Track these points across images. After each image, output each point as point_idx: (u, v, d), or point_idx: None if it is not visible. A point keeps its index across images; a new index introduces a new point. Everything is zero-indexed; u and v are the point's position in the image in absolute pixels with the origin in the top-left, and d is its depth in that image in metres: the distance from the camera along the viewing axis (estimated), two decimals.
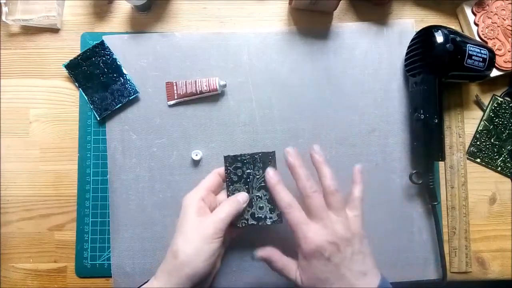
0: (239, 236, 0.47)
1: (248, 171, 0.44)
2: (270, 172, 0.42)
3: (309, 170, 0.41)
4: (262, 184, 0.43)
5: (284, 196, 0.40)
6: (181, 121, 0.51)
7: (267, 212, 0.44)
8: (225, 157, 0.44)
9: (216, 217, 0.40)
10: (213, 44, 0.52)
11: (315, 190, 0.39)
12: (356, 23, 0.53)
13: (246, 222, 0.44)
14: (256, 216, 0.44)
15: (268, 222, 0.43)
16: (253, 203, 0.44)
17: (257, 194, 0.44)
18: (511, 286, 0.53)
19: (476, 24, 0.51)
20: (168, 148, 0.51)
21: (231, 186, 0.44)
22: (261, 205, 0.44)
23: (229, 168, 0.44)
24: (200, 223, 0.40)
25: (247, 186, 0.44)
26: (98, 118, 0.51)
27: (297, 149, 0.41)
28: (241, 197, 0.43)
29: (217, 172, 0.45)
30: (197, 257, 0.38)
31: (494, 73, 0.50)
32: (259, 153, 0.44)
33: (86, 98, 0.51)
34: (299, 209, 0.39)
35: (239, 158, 0.44)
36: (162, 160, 0.50)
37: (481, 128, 0.52)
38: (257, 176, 0.44)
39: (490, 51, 0.48)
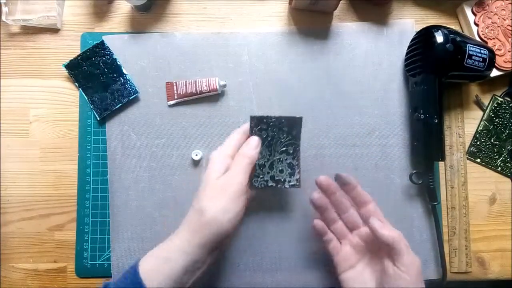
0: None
1: (272, 133, 0.44)
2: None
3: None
4: (284, 148, 0.44)
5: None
6: (181, 121, 0.51)
7: (286, 175, 0.44)
8: (251, 117, 0.43)
9: (239, 175, 0.39)
10: (213, 44, 0.52)
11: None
12: (356, 23, 0.53)
13: (265, 183, 0.44)
14: (275, 178, 0.44)
15: (287, 185, 0.44)
16: (274, 165, 0.44)
17: (279, 157, 0.44)
18: (511, 286, 0.53)
19: (476, 24, 0.51)
20: (168, 148, 0.51)
21: None
22: (281, 168, 0.44)
23: (254, 128, 0.43)
24: (225, 181, 0.39)
25: (270, 148, 0.44)
26: (98, 118, 0.51)
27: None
28: (252, 141, 0.42)
29: (242, 131, 0.43)
30: (223, 216, 0.37)
31: (494, 73, 0.50)
32: (286, 117, 0.43)
33: (86, 98, 0.51)
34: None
35: (264, 120, 0.43)
36: (162, 160, 0.50)
37: (481, 128, 0.52)
38: (281, 139, 0.44)
39: (490, 51, 0.48)
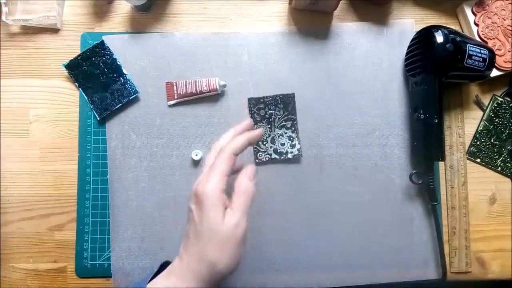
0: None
1: (270, 111, 0.49)
2: None
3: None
4: (283, 123, 0.49)
5: None
6: (181, 121, 0.51)
7: (288, 147, 0.50)
8: (249, 99, 0.49)
9: (244, 220, 0.37)
10: (213, 44, 0.52)
11: None
12: (356, 23, 0.53)
13: (269, 156, 0.49)
14: (278, 151, 0.49)
15: (290, 156, 0.49)
16: (275, 140, 0.49)
17: (279, 132, 0.49)
18: (511, 286, 0.53)
19: (476, 24, 0.51)
20: (168, 148, 0.51)
21: (255, 126, 0.49)
22: (283, 142, 0.49)
23: (253, 109, 0.49)
24: (232, 229, 0.36)
25: (269, 125, 0.49)
26: (98, 118, 0.51)
27: None
28: (250, 171, 0.38)
29: (232, 154, 0.38)
30: (234, 263, 0.37)
31: (494, 73, 0.50)
32: (280, 95, 0.50)
33: (86, 98, 0.51)
34: None
35: (261, 100, 0.49)
36: (162, 160, 0.50)
37: (481, 128, 0.52)
38: (279, 116, 0.49)
39: (490, 51, 0.48)
